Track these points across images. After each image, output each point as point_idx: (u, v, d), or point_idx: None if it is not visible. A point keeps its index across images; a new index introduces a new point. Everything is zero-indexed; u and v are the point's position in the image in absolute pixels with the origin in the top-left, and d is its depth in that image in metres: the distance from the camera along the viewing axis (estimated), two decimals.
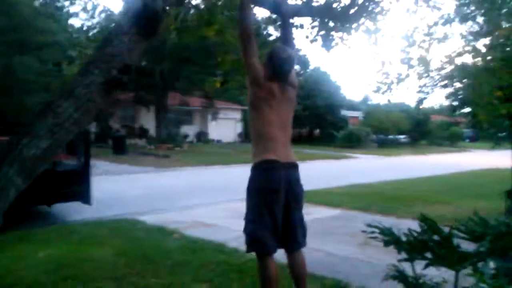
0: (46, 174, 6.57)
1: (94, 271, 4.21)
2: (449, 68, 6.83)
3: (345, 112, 39.70)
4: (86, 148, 7.13)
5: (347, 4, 2.93)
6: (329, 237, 6.20)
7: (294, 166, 2.84)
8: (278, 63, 2.66)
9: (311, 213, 7.85)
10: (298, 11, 2.81)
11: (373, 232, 2.69)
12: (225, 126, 32.34)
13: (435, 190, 10.86)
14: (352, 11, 3.02)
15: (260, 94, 2.67)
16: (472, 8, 4.64)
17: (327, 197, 9.23)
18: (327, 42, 3.46)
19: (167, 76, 23.83)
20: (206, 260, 4.69)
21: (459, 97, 7.44)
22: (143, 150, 20.68)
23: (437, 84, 7.16)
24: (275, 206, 2.65)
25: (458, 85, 6.76)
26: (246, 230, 2.77)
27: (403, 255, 2.47)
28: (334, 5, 2.89)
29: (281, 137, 2.74)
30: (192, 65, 22.68)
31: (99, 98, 1.47)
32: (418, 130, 39.77)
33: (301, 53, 48.72)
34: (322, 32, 3.35)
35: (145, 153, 19.76)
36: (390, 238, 2.51)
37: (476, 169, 17.41)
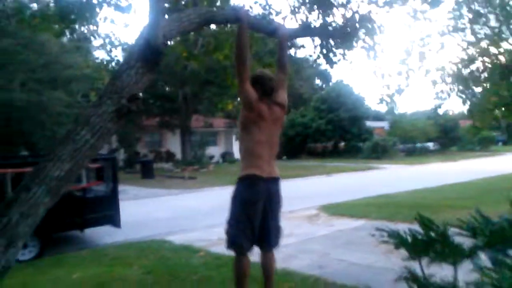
0: (77, 201, 6.98)
1: None
2: (462, 72, 6.88)
3: (370, 123, 39.37)
4: (114, 174, 7.49)
5: (342, 24, 3.10)
6: (353, 247, 6.24)
7: (275, 180, 3.16)
8: (265, 82, 2.96)
9: (334, 225, 7.93)
10: (295, 34, 3.01)
11: (382, 236, 2.81)
12: None
13: (463, 196, 10.67)
14: (348, 29, 3.19)
15: (251, 116, 2.89)
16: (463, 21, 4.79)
17: (351, 209, 9.25)
18: (328, 59, 3.63)
19: (189, 99, 24.45)
20: (230, 275, 4.82)
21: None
22: (170, 173, 21.13)
23: (452, 90, 7.20)
24: (254, 216, 3.09)
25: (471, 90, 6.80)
26: (227, 233, 3.27)
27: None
28: (330, 26, 3.07)
29: (266, 155, 3.04)
30: (214, 87, 23.19)
31: (111, 125, 1.70)
32: (447, 137, 38.93)
33: (322, 67, 49.17)
34: (324, 51, 3.52)
35: (172, 176, 20.19)
36: (398, 241, 2.61)
37: (507, 173, 16.94)
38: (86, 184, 7.01)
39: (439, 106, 7.55)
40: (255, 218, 3.10)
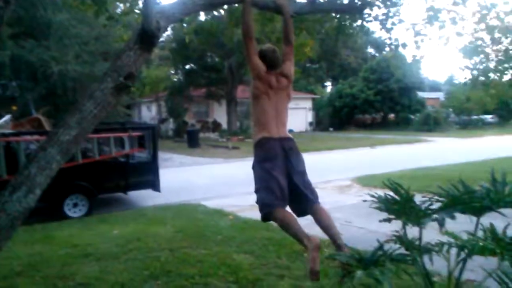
0: (120, 166, 7.63)
1: (154, 244, 4.96)
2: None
3: (424, 94, 37.87)
4: (154, 142, 8.04)
5: None
6: (376, 216, 6.37)
7: (288, 139, 3.13)
8: (268, 55, 3.11)
9: (363, 196, 8.06)
10: (301, 10, 3.16)
11: (374, 202, 3.02)
12: (296, 116, 32.63)
13: (506, 171, 10.30)
14: (357, 3, 3.28)
15: (260, 87, 3.10)
16: None
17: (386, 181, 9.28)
18: (341, 31, 3.72)
19: (235, 70, 24.77)
20: (252, 236, 5.23)
21: None
22: (215, 143, 21.83)
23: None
24: (275, 170, 2.97)
25: None
26: (257, 201, 3.08)
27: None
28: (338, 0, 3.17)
29: (274, 121, 3.14)
30: None
31: (111, 98, 2.03)
32: (507, 109, 36.61)
33: (375, 35, 47.28)
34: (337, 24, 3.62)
35: (217, 145, 20.87)
36: (380, 205, 2.81)
37: None
38: (129, 150, 7.60)
39: (478, 77, 7.26)
40: (278, 174, 2.98)
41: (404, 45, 4.78)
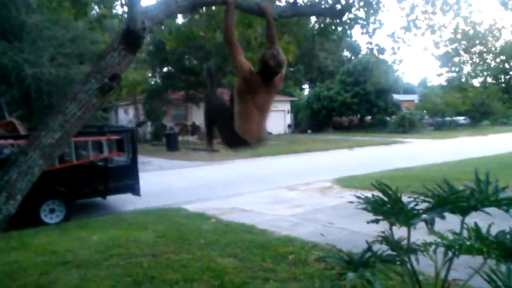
0: (99, 170, 7.46)
1: (136, 250, 4.86)
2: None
3: (399, 96, 38.59)
4: (133, 145, 7.90)
5: (332, 1, 3.19)
6: (358, 217, 6.40)
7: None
8: (265, 68, 2.94)
9: (344, 197, 8.14)
10: (283, 12, 3.15)
11: (360, 203, 3.03)
12: (275, 118, 32.71)
13: (481, 170, 10.58)
14: (338, 6, 3.30)
15: (245, 87, 3.04)
16: None
17: (364, 182, 9.38)
18: (326, 36, 3.73)
19: (214, 73, 24.63)
20: (235, 239, 5.19)
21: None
22: (195, 146, 21.65)
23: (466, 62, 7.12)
24: None
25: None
26: None
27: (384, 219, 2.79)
28: (320, 4, 3.17)
29: (256, 121, 3.09)
30: None
31: (96, 100, 1.97)
32: (478, 111, 37.69)
33: (352, 39, 47.96)
34: (318, 27, 3.63)
35: (196, 148, 20.70)
36: (366, 206, 2.81)
37: None
38: (107, 154, 7.44)
39: (453, 79, 7.45)
40: None
41: (382, 50, 4.86)
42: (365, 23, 3.88)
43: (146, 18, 2.26)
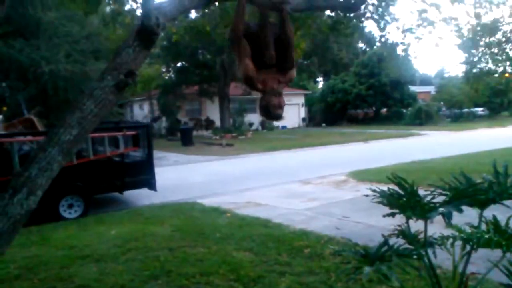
0: (115, 165, 7.56)
1: (153, 244, 4.92)
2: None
3: (415, 88, 38.06)
4: (149, 141, 7.98)
5: None
6: (374, 211, 6.36)
7: None
8: (266, 115, 2.85)
9: (359, 190, 8.09)
10: (297, 7, 3.12)
11: (375, 197, 3.01)
12: (289, 112, 32.61)
13: (500, 162, 10.39)
14: (352, 1, 3.26)
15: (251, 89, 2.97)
16: None
17: (380, 175, 9.29)
18: (337, 30, 3.69)
19: (227, 67, 24.67)
20: (250, 233, 5.21)
21: None
22: (209, 141, 21.76)
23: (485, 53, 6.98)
24: None
25: None
26: None
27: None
28: None
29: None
30: None
31: (112, 97, 2.00)
32: (497, 101, 36.93)
33: (366, 30, 47.33)
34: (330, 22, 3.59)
35: (211, 143, 20.81)
36: (382, 200, 2.79)
37: None
38: (124, 149, 7.53)
39: (471, 70, 7.32)
40: None
41: (395, 44, 4.79)
42: (377, 17, 3.83)
43: (160, 14, 2.26)
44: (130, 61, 2.03)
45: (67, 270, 4.25)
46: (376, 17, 3.71)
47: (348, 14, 3.61)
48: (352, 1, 3.33)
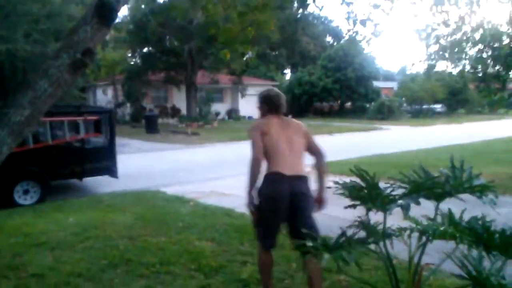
0: (75, 151, 7.29)
1: (113, 232, 4.80)
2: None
3: (379, 84, 38.92)
4: (112, 127, 7.75)
5: None
6: (336, 202, 6.51)
7: (300, 178, 3.15)
8: (270, 99, 3.21)
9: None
10: None
11: (338, 189, 3.04)
12: (254, 102, 32.61)
13: (457, 157, 10.82)
14: None
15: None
16: None
17: (342, 167, 9.47)
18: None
19: (195, 54, 24.31)
20: (213, 222, 5.18)
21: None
22: (174, 129, 21.45)
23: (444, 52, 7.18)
24: (278, 215, 3.09)
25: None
26: (257, 236, 3.29)
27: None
28: None
29: (287, 154, 3.14)
30: (220, 43, 22.99)
31: (68, 76, 1.89)
32: (455, 99, 38.42)
33: (333, 24, 47.88)
34: None
35: (176, 131, 20.51)
36: (344, 191, 2.82)
37: (508, 136, 16.96)
38: (84, 135, 7.28)
39: (432, 68, 7.53)
40: (280, 219, 3.11)
41: (363, 22, 4.85)
42: None
43: None
44: (87, 39, 1.94)
45: (20, 258, 4.07)
46: None
47: None
48: None
